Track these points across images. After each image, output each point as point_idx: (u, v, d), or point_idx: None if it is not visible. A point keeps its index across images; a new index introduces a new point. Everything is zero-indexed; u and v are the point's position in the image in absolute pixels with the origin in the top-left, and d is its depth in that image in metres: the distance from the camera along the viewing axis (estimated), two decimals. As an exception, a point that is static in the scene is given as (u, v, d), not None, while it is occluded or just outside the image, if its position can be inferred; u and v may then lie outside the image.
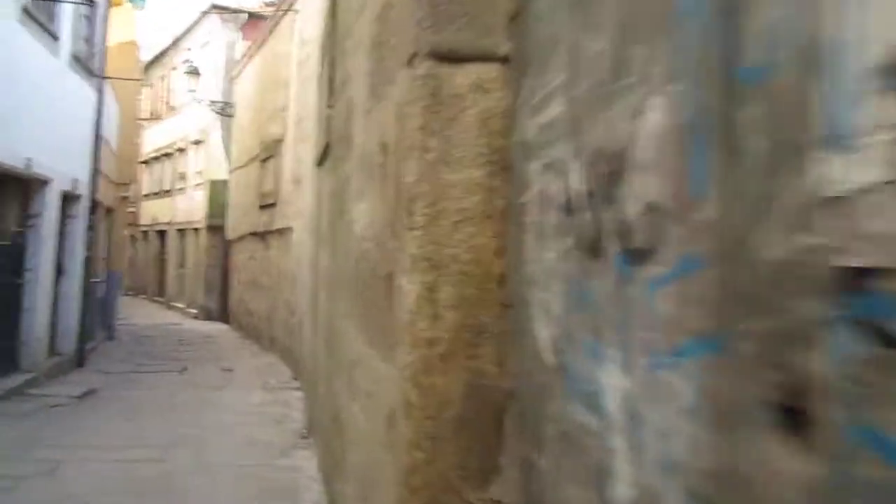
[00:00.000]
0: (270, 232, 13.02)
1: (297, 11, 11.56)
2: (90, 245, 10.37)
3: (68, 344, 10.06)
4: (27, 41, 7.95)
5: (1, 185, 8.27)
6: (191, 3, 20.80)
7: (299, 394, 9.02)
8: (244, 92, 16.52)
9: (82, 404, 7.98)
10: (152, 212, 24.71)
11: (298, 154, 10.68)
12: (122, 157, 14.22)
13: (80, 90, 9.92)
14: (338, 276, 4.27)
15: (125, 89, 13.94)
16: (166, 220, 23.14)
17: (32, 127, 8.05)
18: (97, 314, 12.42)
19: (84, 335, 10.39)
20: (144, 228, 25.71)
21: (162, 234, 23.95)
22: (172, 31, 22.63)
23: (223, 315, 18.18)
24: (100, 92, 10.47)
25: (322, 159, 6.27)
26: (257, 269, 14.25)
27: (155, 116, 25.10)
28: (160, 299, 23.40)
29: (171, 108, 23.38)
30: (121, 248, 15.47)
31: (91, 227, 10.31)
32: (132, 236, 27.67)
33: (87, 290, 10.39)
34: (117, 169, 13.88)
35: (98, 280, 11.77)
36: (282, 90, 12.37)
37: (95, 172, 10.29)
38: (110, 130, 12.71)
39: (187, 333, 15.93)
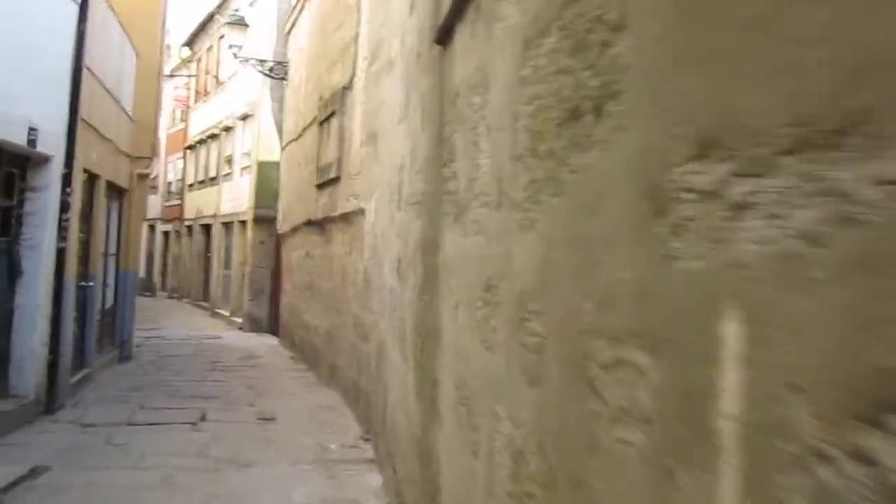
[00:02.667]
0: (331, 219, 9.42)
1: None
2: (66, 233, 6.92)
3: (30, 379, 6.63)
4: None
5: None
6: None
7: (377, 480, 5.37)
8: (299, 45, 13.05)
9: (-2, 509, 4.48)
10: (197, 203, 21.51)
11: (375, 99, 7.06)
12: (142, 125, 10.84)
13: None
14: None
15: (145, 34, 10.59)
16: (211, 212, 19.87)
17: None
18: (96, 330, 9.03)
19: (57, 364, 6.95)
20: (189, 223, 22.54)
21: (207, 228, 20.71)
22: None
23: (272, 326, 14.78)
24: (82, 6, 7.01)
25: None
26: (315, 270, 10.68)
27: (202, 95, 21.93)
28: (204, 304, 20.17)
29: (220, 84, 20.14)
30: (137, 241, 12.09)
31: (67, 207, 6.86)
32: (177, 232, 24.61)
33: (61, 298, 6.92)
34: (133, 138, 10.50)
35: (89, 284, 8.33)
36: (349, 17, 8.79)
37: (73, 122, 6.81)
38: (120, 80, 9.32)
39: (226, 351, 12.51)
